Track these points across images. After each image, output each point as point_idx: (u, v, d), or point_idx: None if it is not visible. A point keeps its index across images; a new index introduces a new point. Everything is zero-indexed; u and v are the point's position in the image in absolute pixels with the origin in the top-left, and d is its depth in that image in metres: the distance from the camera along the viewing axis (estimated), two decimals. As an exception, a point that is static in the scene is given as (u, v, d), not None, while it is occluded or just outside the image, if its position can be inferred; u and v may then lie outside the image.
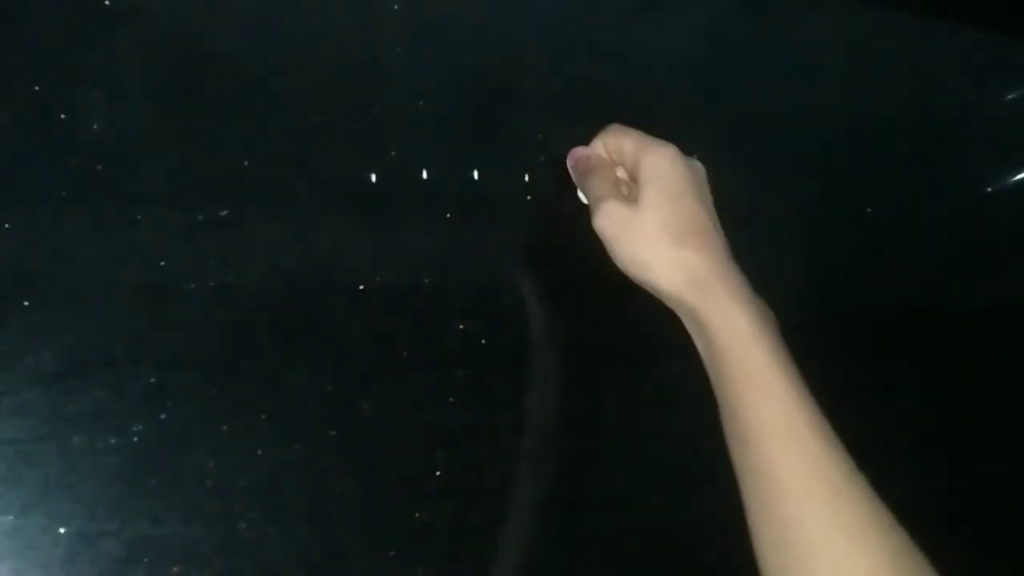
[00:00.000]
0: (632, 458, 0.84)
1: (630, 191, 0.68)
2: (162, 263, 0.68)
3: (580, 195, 0.71)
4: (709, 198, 0.67)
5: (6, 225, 0.64)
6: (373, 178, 0.72)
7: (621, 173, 0.69)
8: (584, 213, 0.68)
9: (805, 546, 0.57)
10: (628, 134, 0.69)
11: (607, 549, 0.81)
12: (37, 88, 0.65)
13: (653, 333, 0.73)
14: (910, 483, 0.94)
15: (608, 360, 0.84)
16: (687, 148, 0.87)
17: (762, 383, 0.60)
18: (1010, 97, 1.01)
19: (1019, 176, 1.03)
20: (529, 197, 0.80)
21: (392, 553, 0.72)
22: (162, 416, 0.67)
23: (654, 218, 0.63)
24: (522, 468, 0.79)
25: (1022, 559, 0.97)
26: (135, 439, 0.66)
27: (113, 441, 0.65)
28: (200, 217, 0.69)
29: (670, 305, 0.65)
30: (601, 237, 0.65)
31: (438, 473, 0.75)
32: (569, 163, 0.71)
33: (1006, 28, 0.94)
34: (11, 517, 0.63)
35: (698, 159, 0.68)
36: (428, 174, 0.75)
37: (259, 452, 0.69)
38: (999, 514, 0.99)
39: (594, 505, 0.82)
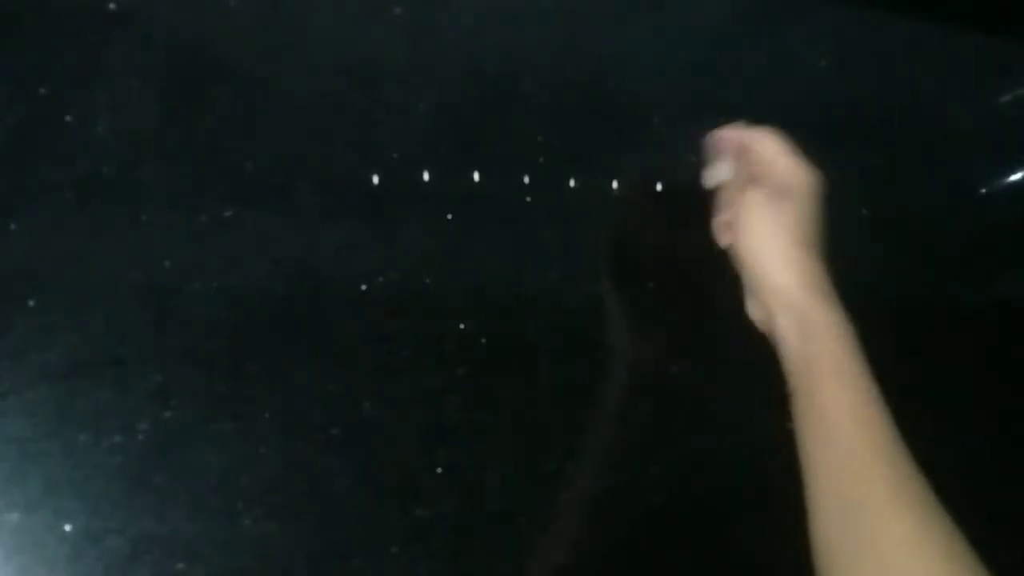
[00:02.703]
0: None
1: (764, 188, 0.72)
2: (167, 263, 0.68)
3: (712, 174, 0.77)
4: (822, 215, 0.73)
5: (12, 226, 0.65)
6: (375, 179, 0.73)
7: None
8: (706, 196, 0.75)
9: (869, 527, 0.61)
10: (776, 139, 0.74)
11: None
12: (43, 91, 0.66)
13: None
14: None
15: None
16: (686, 149, 0.88)
17: (853, 379, 0.66)
18: (1005, 98, 1.01)
19: (1014, 177, 1.04)
20: (529, 198, 0.80)
21: (394, 550, 0.73)
22: (167, 414, 0.67)
23: (794, 218, 0.69)
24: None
25: (1022, 559, 0.97)
26: (140, 437, 0.66)
27: (118, 439, 0.65)
28: (204, 218, 0.69)
29: (774, 295, 0.69)
30: (745, 213, 0.71)
31: (439, 471, 0.75)
32: (719, 139, 0.77)
33: (1001, 29, 0.94)
34: (16, 514, 0.63)
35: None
36: (429, 175, 0.76)
37: (262, 450, 0.69)
38: (999, 514, 0.99)
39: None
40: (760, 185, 0.72)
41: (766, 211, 0.71)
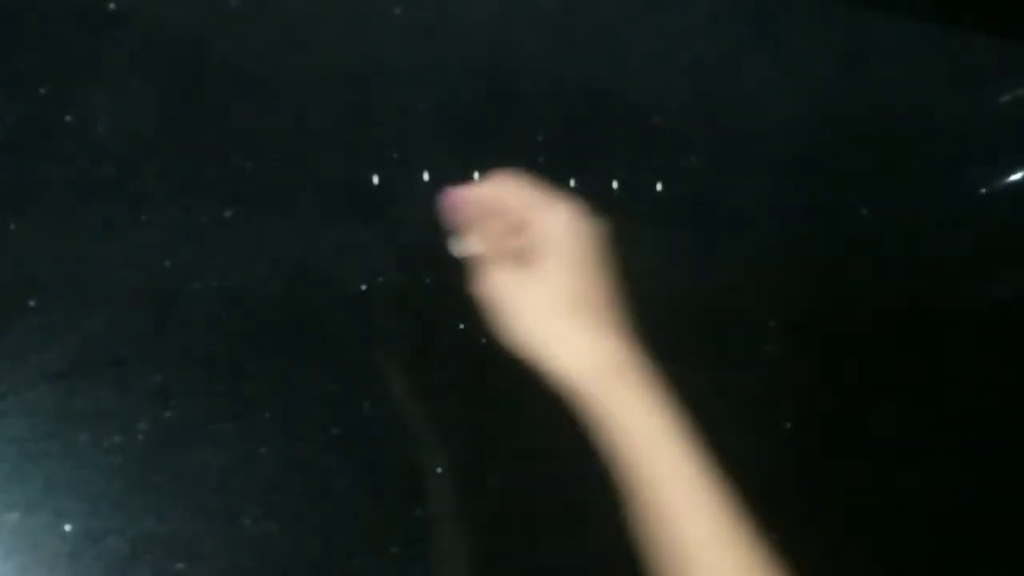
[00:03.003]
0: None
1: (518, 252, 0.60)
2: (167, 264, 0.68)
3: (456, 245, 0.63)
4: (610, 265, 0.60)
5: (11, 226, 0.65)
6: (375, 179, 0.73)
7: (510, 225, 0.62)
8: (461, 266, 0.62)
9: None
10: (520, 185, 0.61)
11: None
12: (43, 91, 0.66)
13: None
14: (909, 483, 0.95)
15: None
16: (686, 149, 0.88)
17: (690, 491, 0.55)
18: (1005, 98, 1.01)
19: (1014, 177, 1.04)
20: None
21: (394, 550, 0.73)
22: (167, 415, 0.67)
23: (548, 288, 0.57)
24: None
25: (1021, 559, 0.97)
26: (140, 437, 0.66)
27: (118, 439, 0.66)
28: (204, 218, 0.69)
29: (566, 391, 0.58)
30: (487, 304, 0.59)
31: (439, 471, 0.75)
32: (446, 205, 0.63)
33: (1001, 30, 0.94)
34: (17, 514, 0.63)
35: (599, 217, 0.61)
36: (429, 175, 0.76)
37: (262, 450, 0.69)
38: (999, 514, 0.99)
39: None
40: (511, 250, 0.60)
41: (520, 282, 0.58)
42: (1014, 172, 1.03)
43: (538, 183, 0.62)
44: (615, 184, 0.85)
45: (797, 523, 0.89)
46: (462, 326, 0.77)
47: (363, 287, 0.74)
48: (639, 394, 0.56)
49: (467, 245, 0.62)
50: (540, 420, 0.79)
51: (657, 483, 0.56)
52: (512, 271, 0.59)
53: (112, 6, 0.67)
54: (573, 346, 0.57)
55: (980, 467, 0.98)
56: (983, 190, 1.04)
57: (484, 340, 0.77)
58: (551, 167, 0.81)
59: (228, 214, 0.70)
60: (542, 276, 0.58)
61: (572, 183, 0.82)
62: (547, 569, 0.79)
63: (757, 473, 0.88)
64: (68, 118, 0.66)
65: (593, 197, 0.83)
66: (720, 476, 0.57)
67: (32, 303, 0.65)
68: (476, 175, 0.75)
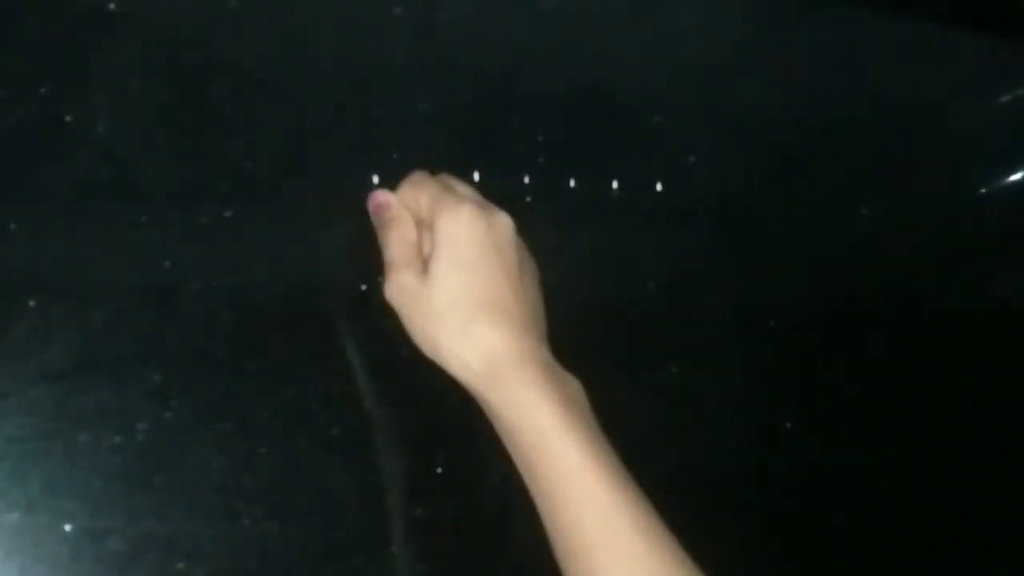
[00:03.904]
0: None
1: (425, 255, 0.61)
2: (167, 263, 0.68)
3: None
4: (513, 262, 0.60)
5: (11, 226, 0.64)
6: (375, 179, 0.73)
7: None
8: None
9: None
10: (425, 185, 0.62)
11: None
12: (43, 91, 0.65)
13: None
14: (909, 483, 0.95)
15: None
16: (686, 149, 0.88)
17: (580, 487, 0.55)
18: (1005, 98, 1.01)
19: (1014, 177, 1.04)
20: (529, 198, 0.80)
21: (394, 550, 0.73)
22: (167, 414, 0.67)
23: (442, 292, 0.57)
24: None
25: (1021, 559, 0.97)
26: (140, 437, 0.66)
27: (118, 439, 0.65)
28: (204, 218, 0.69)
29: (468, 390, 0.59)
30: (392, 308, 0.60)
31: (439, 471, 0.75)
32: (370, 208, 0.64)
33: (1000, 30, 0.94)
34: (16, 514, 0.63)
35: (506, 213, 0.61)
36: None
37: (263, 450, 0.69)
38: (998, 514, 0.99)
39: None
40: (417, 254, 0.60)
41: (423, 288, 0.58)
42: (1014, 172, 1.03)
43: (446, 182, 0.63)
44: (615, 184, 0.85)
45: (795, 522, 0.89)
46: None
47: (363, 287, 0.74)
48: (526, 393, 0.56)
49: (382, 251, 0.62)
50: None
51: (547, 480, 0.56)
52: (415, 276, 0.59)
53: (112, 6, 0.67)
54: (465, 348, 0.57)
55: (980, 467, 0.98)
56: (983, 190, 1.04)
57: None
58: (551, 167, 0.81)
59: (228, 214, 0.70)
60: (436, 279, 0.58)
61: (572, 183, 0.82)
62: (547, 569, 0.79)
63: (756, 472, 0.89)
64: (68, 118, 0.66)
65: (593, 197, 0.84)
66: (623, 470, 0.56)
67: (32, 303, 0.64)
68: (476, 175, 0.75)
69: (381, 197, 0.64)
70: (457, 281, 0.58)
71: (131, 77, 0.68)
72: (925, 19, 0.93)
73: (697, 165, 0.88)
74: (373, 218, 0.65)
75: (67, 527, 0.64)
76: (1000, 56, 1.00)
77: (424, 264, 0.60)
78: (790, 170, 0.93)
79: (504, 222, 0.60)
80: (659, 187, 0.87)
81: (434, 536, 0.74)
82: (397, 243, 0.61)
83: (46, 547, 0.64)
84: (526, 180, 0.81)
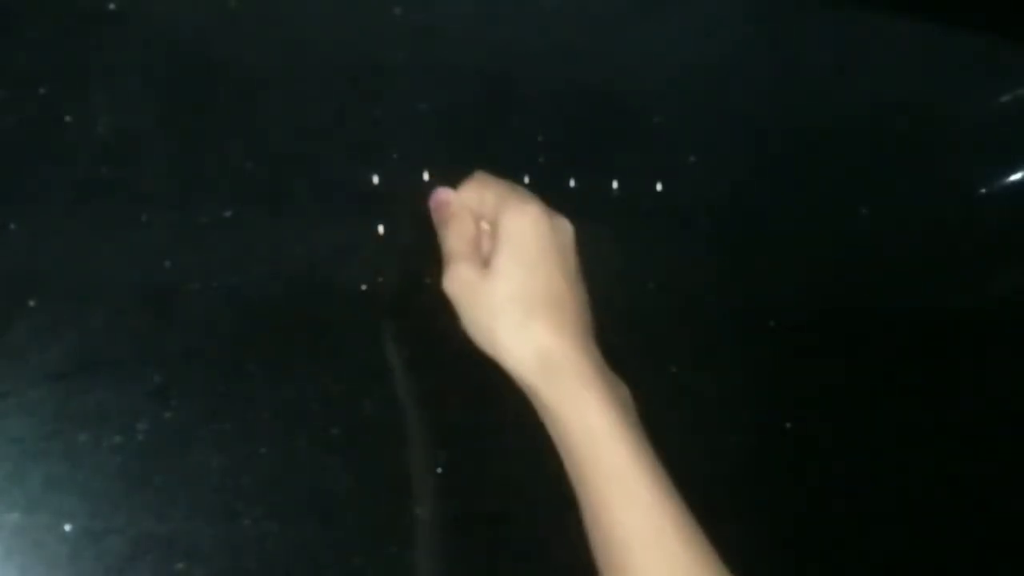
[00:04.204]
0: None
1: (486, 252, 0.62)
2: (167, 263, 0.68)
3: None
4: (573, 265, 0.61)
5: (11, 225, 0.65)
6: (375, 179, 0.73)
7: (487, 225, 0.63)
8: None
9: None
10: (491, 185, 0.63)
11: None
12: (43, 90, 0.65)
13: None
14: (909, 482, 0.95)
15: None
16: (686, 149, 0.88)
17: (626, 488, 0.56)
18: (1005, 98, 1.01)
19: (1014, 177, 1.04)
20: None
21: (394, 550, 0.73)
22: (167, 415, 0.67)
23: (503, 286, 0.58)
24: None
25: (1021, 559, 0.97)
26: (140, 437, 0.66)
27: (118, 439, 0.65)
28: (204, 218, 0.69)
29: (520, 385, 0.59)
30: (449, 300, 0.61)
31: (439, 471, 0.75)
32: (431, 205, 0.65)
33: (1000, 29, 0.94)
34: (17, 514, 0.63)
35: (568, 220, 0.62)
36: (429, 175, 0.75)
37: (262, 450, 0.69)
38: (998, 514, 0.99)
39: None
40: (479, 250, 0.62)
41: (478, 281, 0.59)
42: (1014, 172, 1.03)
43: (512, 184, 0.63)
44: (615, 184, 0.85)
45: (797, 522, 0.89)
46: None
47: (363, 287, 0.74)
48: (580, 391, 0.57)
49: (441, 245, 0.63)
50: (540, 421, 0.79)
51: (594, 479, 0.56)
52: (474, 270, 0.60)
53: (112, 6, 0.67)
54: (521, 343, 0.58)
55: (981, 467, 0.98)
56: (983, 190, 1.04)
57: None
58: (551, 167, 0.81)
59: (228, 214, 0.70)
60: (497, 274, 0.59)
61: (572, 183, 0.82)
62: (547, 569, 0.79)
63: (756, 472, 0.89)
64: (68, 118, 0.66)
65: (593, 197, 0.84)
66: (665, 474, 0.57)
67: (32, 303, 0.64)
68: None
69: (442, 194, 0.65)
70: (517, 277, 0.58)
71: (131, 77, 0.68)
72: (925, 19, 0.93)
73: (697, 165, 0.88)
74: (433, 214, 0.65)
75: (67, 527, 0.64)
76: (1000, 56, 1.00)
77: (483, 260, 0.61)
78: (790, 170, 0.93)
79: (567, 226, 0.62)
80: (659, 187, 0.86)
81: (435, 535, 0.74)
82: (456, 238, 0.62)
83: (46, 547, 0.64)
84: (526, 180, 0.80)
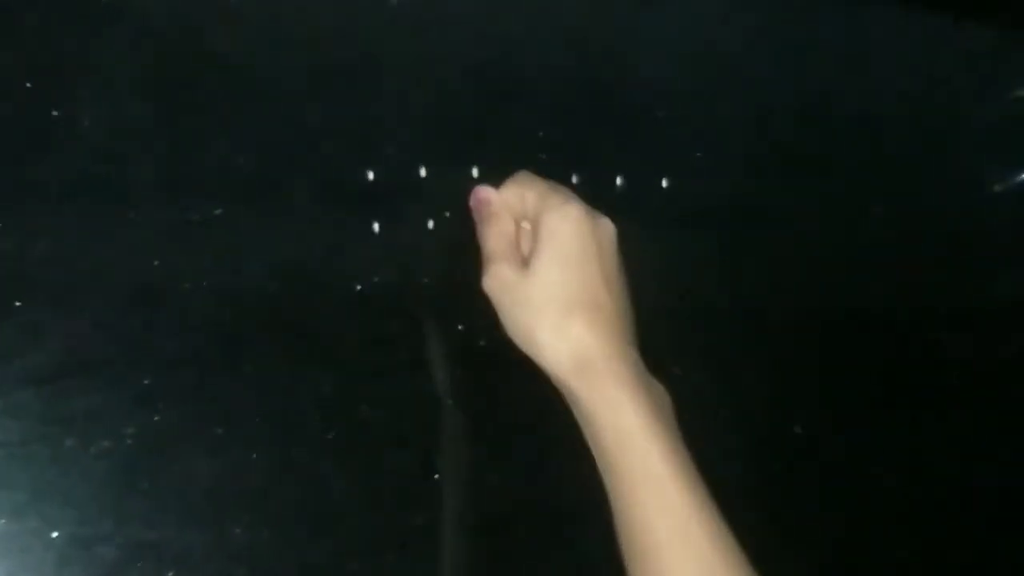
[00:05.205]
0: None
1: (526, 251, 0.63)
2: (156, 263, 0.67)
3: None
4: (614, 266, 0.61)
5: (-2, 224, 0.64)
6: (371, 176, 0.72)
7: (527, 224, 0.64)
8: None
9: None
10: (533, 184, 0.63)
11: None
12: (30, 85, 0.65)
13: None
14: (908, 482, 0.94)
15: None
16: (687, 148, 0.87)
17: (658, 490, 0.56)
18: (1015, 95, 1.01)
19: (1022, 176, 1.03)
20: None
21: (389, 558, 0.72)
22: (155, 418, 0.66)
23: (542, 287, 0.59)
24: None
25: (1021, 559, 0.97)
26: (128, 441, 0.65)
27: (106, 443, 0.65)
28: (195, 216, 0.68)
29: (556, 385, 0.60)
30: (489, 298, 0.61)
31: (436, 476, 0.74)
32: (471, 203, 0.65)
33: (1011, 25, 0.94)
34: (3, 521, 0.63)
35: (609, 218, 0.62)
36: (426, 172, 0.75)
37: (254, 455, 0.69)
38: (998, 514, 0.98)
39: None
40: (519, 249, 0.62)
41: (518, 280, 0.59)
42: (1022, 171, 1.03)
43: (554, 183, 0.64)
44: (619, 180, 0.84)
45: (806, 524, 0.89)
46: (460, 327, 0.76)
47: (358, 287, 0.73)
48: (615, 392, 0.57)
49: (482, 244, 0.64)
50: (540, 420, 0.78)
51: (627, 480, 0.57)
52: (514, 270, 0.60)
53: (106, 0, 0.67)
54: (558, 343, 0.58)
55: (982, 467, 0.97)
56: (995, 188, 1.03)
57: (482, 342, 0.77)
58: (552, 163, 0.80)
59: (219, 212, 0.69)
60: (536, 274, 0.59)
61: (574, 180, 0.81)
62: (547, 570, 0.78)
63: (758, 474, 0.88)
64: (55, 113, 0.65)
65: (596, 194, 0.83)
66: (698, 476, 0.58)
67: (18, 303, 0.64)
68: (475, 172, 0.75)
69: (483, 193, 0.65)
70: (558, 276, 0.59)
71: (121, 73, 0.67)
72: (931, 16, 0.93)
73: (703, 162, 0.87)
74: (474, 213, 0.65)
75: (54, 533, 0.63)
76: (1012, 53, 1.00)
77: (523, 260, 0.61)
78: (799, 167, 0.92)
79: (609, 227, 0.62)
80: (664, 184, 0.86)
81: (432, 540, 0.74)
82: (496, 237, 0.62)
83: (33, 553, 0.63)
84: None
